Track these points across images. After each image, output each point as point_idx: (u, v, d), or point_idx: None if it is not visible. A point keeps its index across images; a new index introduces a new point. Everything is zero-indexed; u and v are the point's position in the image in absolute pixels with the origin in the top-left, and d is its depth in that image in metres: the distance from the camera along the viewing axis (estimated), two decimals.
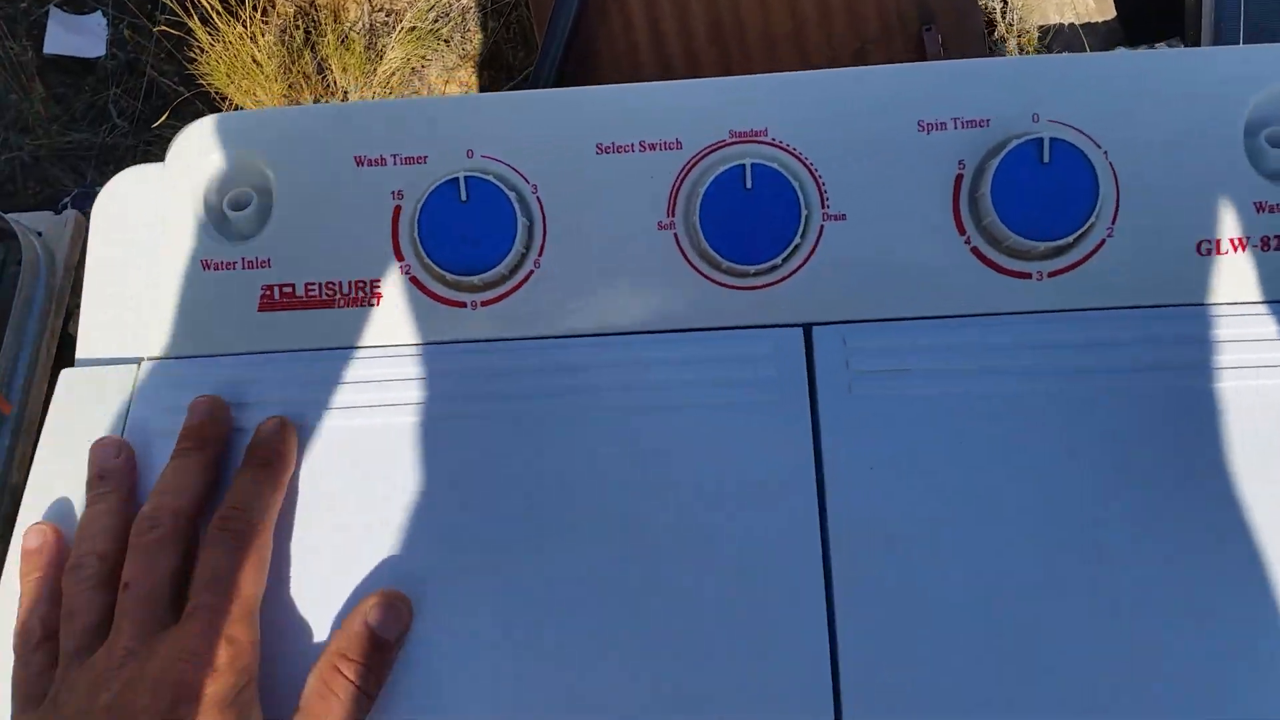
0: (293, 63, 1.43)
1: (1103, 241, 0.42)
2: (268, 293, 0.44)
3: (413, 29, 1.47)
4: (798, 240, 0.42)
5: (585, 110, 0.45)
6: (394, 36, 1.46)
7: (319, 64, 1.46)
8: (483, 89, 1.51)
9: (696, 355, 0.42)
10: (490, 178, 0.43)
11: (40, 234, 0.63)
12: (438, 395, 0.42)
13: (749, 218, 0.42)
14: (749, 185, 0.42)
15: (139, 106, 1.53)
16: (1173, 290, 0.42)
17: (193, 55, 1.42)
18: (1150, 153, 0.42)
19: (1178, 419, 0.40)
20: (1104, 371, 0.40)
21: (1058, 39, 1.40)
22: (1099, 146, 0.42)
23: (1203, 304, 0.42)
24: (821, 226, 0.43)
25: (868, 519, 0.39)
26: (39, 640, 0.38)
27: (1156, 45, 1.29)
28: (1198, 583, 0.37)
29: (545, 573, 0.39)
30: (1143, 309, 0.42)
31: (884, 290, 0.42)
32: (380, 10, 1.51)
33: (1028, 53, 1.38)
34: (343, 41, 1.45)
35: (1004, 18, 1.40)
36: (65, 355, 0.61)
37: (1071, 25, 1.39)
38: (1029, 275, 0.42)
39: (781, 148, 0.44)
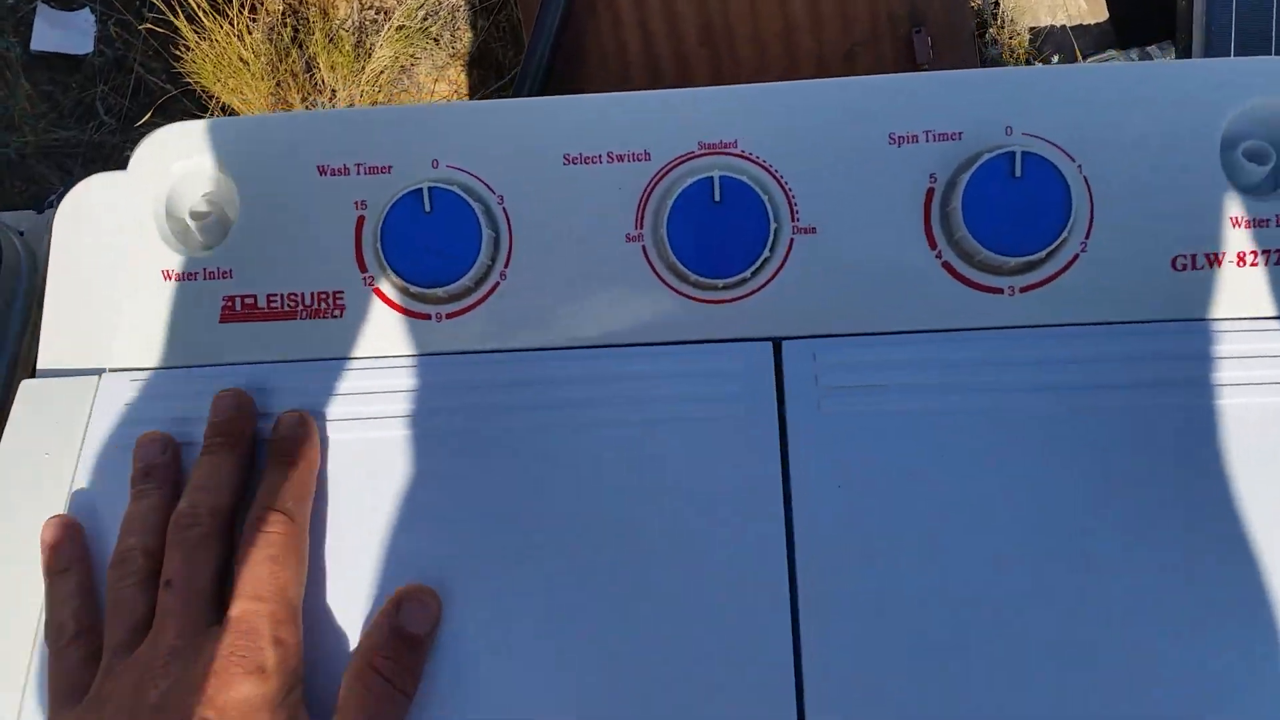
0: (280, 61, 1.42)
1: (1076, 256, 0.41)
2: (229, 304, 0.43)
3: (401, 27, 1.46)
4: (767, 254, 0.42)
5: (553, 120, 0.44)
6: (383, 35, 1.46)
7: (307, 62, 1.45)
8: (472, 88, 1.50)
9: (664, 369, 0.41)
10: (455, 188, 0.42)
11: (22, 233, 0.63)
12: (401, 409, 0.41)
13: (718, 230, 0.42)
14: (718, 198, 0.42)
15: (127, 104, 1.52)
16: (1147, 306, 0.41)
17: (179, 53, 1.41)
18: (1125, 167, 0.42)
19: (1150, 436, 0.39)
20: (1075, 388, 0.40)
21: (1049, 41, 1.39)
22: (1073, 160, 0.42)
23: (1178, 320, 0.41)
24: (791, 240, 0.42)
25: (835, 536, 0.38)
26: (72, 636, 0.38)
27: (1148, 47, 1.28)
28: (1162, 600, 0.37)
29: (508, 586, 0.38)
30: (1117, 325, 0.41)
31: (854, 305, 0.42)
32: (370, 8, 1.50)
33: (1018, 54, 1.37)
34: (331, 40, 1.44)
35: (995, 19, 1.39)
36: None
37: (1063, 27, 1.38)
38: (1001, 290, 0.42)
39: (751, 160, 0.43)
